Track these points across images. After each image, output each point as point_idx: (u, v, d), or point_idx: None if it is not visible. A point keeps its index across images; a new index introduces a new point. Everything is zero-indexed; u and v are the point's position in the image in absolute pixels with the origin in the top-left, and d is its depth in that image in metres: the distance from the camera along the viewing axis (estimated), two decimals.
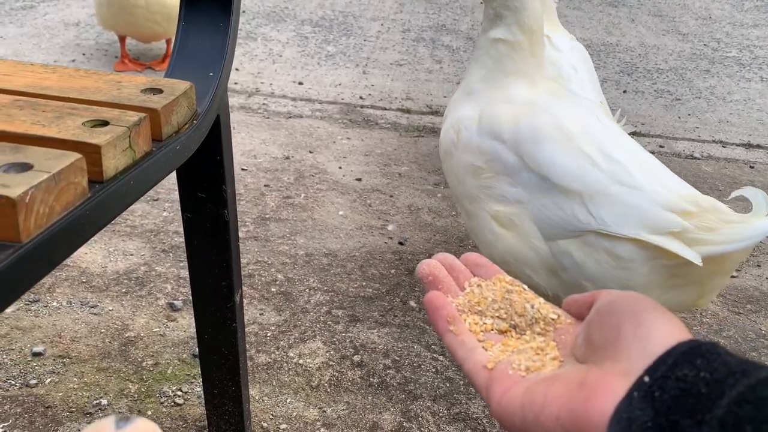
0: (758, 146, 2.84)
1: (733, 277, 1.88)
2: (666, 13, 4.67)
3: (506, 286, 0.57)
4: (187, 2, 0.92)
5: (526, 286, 0.58)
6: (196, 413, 1.26)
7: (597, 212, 1.19)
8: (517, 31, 1.37)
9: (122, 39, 2.92)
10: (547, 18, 1.86)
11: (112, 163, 0.65)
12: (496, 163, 1.31)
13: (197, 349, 1.11)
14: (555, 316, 0.54)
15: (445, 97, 3.01)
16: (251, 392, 1.31)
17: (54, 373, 1.31)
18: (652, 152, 2.51)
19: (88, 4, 3.71)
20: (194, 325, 1.09)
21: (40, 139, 0.64)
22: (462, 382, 1.40)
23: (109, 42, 3.22)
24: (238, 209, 1.89)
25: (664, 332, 0.42)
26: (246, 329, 1.46)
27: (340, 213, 2.00)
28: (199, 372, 1.16)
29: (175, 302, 1.53)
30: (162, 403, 1.27)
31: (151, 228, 1.81)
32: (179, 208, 1.00)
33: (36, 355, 1.35)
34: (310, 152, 2.36)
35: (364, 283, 1.68)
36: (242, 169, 2.17)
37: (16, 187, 0.53)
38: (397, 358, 1.44)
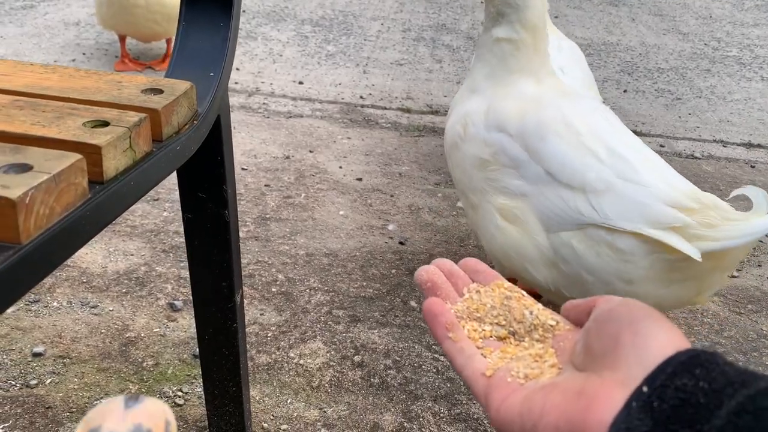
0: (759, 146, 2.84)
1: (734, 277, 1.88)
2: (666, 13, 4.66)
3: (505, 292, 0.57)
4: (188, 2, 0.92)
5: (524, 293, 0.58)
6: (196, 414, 1.26)
7: (600, 206, 1.21)
8: (520, 28, 1.37)
9: (122, 39, 2.92)
10: None
11: (113, 163, 0.65)
12: (502, 156, 1.33)
13: (198, 350, 1.10)
14: (554, 323, 0.53)
15: (445, 96, 3.01)
16: (252, 393, 1.30)
17: (54, 373, 1.31)
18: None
19: (88, 4, 3.71)
20: (195, 325, 1.09)
21: (40, 139, 0.63)
22: (463, 383, 1.40)
23: (110, 42, 3.22)
24: (238, 209, 1.88)
25: (663, 341, 0.42)
26: (246, 329, 1.46)
27: (341, 213, 2.00)
28: (200, 372, 1.16)
29: (175, 302, 1.52)
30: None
31: (151, 228, 1.81)
32: (179, 208, 0.99)
33: (36, 355, 1.35)
34: (311, 152, 2.36)
35: (364, 283, 1.68)
36: (242, 169, 2.17)
37: (16, 188, 0.53)
38: (397, 359, 1.44)
